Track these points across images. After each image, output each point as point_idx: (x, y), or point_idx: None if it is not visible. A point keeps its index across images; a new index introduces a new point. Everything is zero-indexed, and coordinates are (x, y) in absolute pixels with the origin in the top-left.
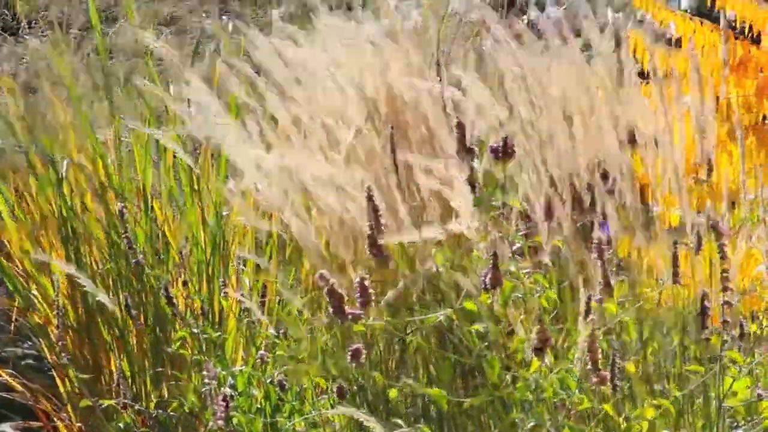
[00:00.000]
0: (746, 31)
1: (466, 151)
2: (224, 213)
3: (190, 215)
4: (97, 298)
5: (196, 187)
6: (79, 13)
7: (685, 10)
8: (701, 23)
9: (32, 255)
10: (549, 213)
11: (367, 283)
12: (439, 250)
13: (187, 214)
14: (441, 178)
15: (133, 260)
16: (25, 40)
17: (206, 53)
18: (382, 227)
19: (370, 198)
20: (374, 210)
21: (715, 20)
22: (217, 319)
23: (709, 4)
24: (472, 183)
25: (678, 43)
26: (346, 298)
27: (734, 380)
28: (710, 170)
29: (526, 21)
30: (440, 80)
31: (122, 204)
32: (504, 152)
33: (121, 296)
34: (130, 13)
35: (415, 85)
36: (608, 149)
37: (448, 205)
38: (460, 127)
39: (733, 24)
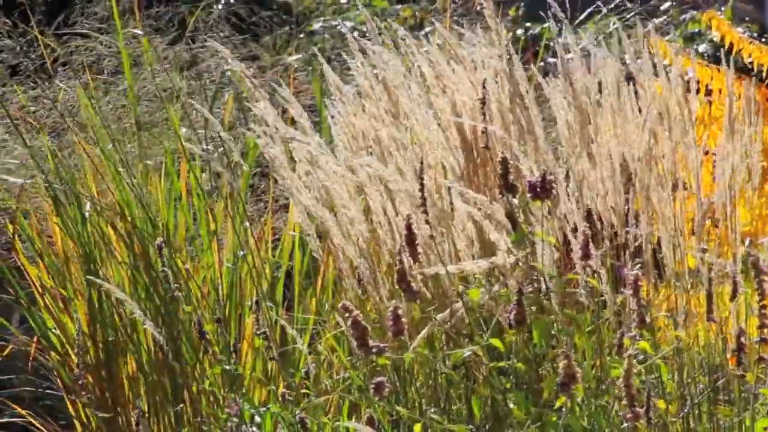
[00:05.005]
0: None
1: (508, 187)
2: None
3: (206, 257)
4: (145, 326)
5: (213, 228)
6: (110, 57)
7: (702, 55)
8: (718, 70)
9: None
10: (586, 252)
11: (400, 312)
12: (473, 286)
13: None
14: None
15: (169, 294)
16: (55, 84)
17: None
18: (419, 257)
19: (409, 227)
20: (411, 241)
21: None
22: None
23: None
24: (511, 218)
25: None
26: (369, 331)
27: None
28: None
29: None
30: None
31: (161, 239)
32: (542, 189)
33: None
34: (149, 55)
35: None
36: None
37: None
38: (504, 163)
39: (751, 68)
